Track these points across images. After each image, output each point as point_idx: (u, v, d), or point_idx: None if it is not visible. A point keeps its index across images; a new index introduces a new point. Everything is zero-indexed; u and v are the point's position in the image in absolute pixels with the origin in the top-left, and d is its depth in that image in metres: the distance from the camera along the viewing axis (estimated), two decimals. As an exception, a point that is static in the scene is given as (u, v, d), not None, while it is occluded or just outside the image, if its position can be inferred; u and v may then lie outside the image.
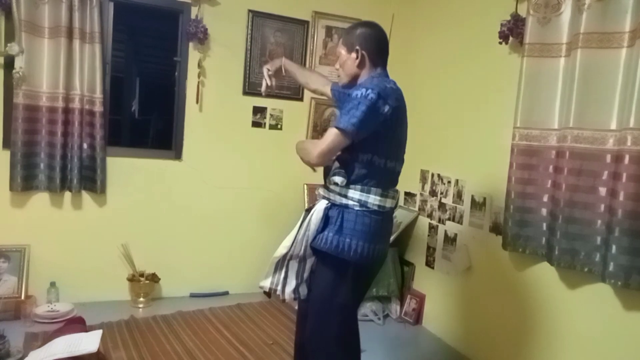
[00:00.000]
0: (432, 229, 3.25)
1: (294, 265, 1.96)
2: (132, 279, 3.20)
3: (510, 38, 2.58)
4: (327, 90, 2.20)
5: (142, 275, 3.23)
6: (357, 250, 1.80)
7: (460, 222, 2.99)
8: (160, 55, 4.98)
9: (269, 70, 2.24)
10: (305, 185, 3.61)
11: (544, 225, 2.35)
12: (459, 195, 3.01)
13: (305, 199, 3.60)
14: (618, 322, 2.07)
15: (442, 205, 3.16)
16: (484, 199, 2.81)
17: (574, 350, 2.27)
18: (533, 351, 2.47)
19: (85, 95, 2.96)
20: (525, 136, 2.40)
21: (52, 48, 2.86)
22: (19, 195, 2.95)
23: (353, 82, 1.93)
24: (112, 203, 3.19)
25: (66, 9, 2.84)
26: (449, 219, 3.09)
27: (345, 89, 1.95)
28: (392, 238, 3.00)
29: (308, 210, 1.95)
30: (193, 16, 3.20)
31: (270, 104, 3.52)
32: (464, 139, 2.99)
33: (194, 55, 3.25)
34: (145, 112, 5.70)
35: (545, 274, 2.39)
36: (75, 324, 2.65)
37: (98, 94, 2.97)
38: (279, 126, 3.56)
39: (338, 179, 1.85)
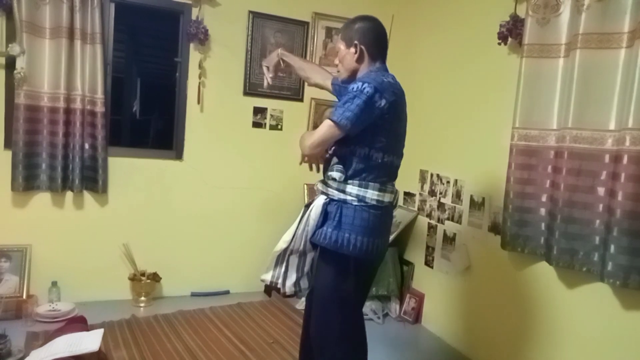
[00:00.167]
0: (432, 228, 3.26)
1: (294, 260, 1.98)
2: (133, 279, 3.21)
3: (510, 39, 2.58)
4: (328, 84, 2.21)
5: (143, 274, 3.24)
6: (357, 245, 1.81)
7: (459, 221, 3.00)
8: (160, 55, 4.98)
9: (267, 67, 2.26)
10: (305, 185, 3.62)
11: (543, 225, 2.36)
12: (458, 195, 3.02)
13: (305, 199, 3.61)
14: (617, 321, 2.08)
15: (441, 205, 3.17)
16: (483, 198, 2.82)
17: (573, 350, 2.28)
18: (532, 350, 2.47)
19: (86, 95, 2.97)
20: (524, 136, 2.41)
21: (53, 48, 2.87)
22: (21, 195, 2.96)
23: (352, 76, 1.93)
24: (114, 203, 3.20)
25: (67, 9, 2.85)
26: (448, 219, 3.10)
27: (345, 84, 1.95)
28: (391, 238, 3.01)
29: (307, 206, 1.96)
30: (194, 17, 3.21)
31: (270, 104, 3.53)
32: (463, 139, 3.00)
33: (194, 55, 3.26)
34: (146, 112, 5.72)
35: (544, 273, 2.40)
36: (77, 323, 2.66)
37: (99, 95, 2.99)
38: (279, 126, 3.57)
39: (336, 174, 1.85)
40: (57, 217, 3.07)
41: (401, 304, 3.37)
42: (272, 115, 3.55)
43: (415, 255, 3.41)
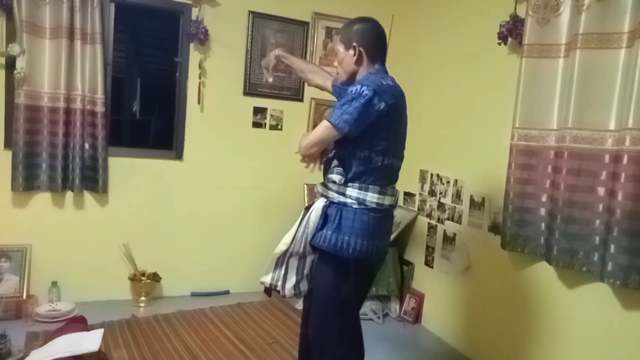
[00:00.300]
0: (432, 228, 3.26)
1: (294, 262, 1.97)
2: (133, 279, 3.21)
3: (509, 39, 2.58)
4: (328, 85, 2.21)
5: (143, 274, 3.24)
6: (356, 247, 1.81)
7: (459, 221, 3.00)
8: (161, 55, 4.98)
9: (266, 69, 2.29)
10: (305, 185, 3.62)
11: (543, 225, 2.36)
12: (458, 195, 3.02)
13: (305, 199, 3.61)
14: (616, 321, 2.08)
15: (441, 205, 3.17)
16: (483, 198, 2.82)
17: (573, 349, 2.28)
18: (532, 350, 2.47)
19: (86, 95, 2.97)
20: (524, 136, 2.41)
21: (53, 49, 2.87)
22: (21, 195, 2.96)
23: (352, 78, 1.93)
24: (114, 203, 3.21)
25: (67, 9, 2.85)
26: (448, 219, 3.10)
27: (345, 86, 1.95)
28: (391, 237, 3.01)
29: (307, 208, 1.96)
30: (194, 17, 3.21)
31: (270, 104, 3.53)
32: (463, 139, 3.00)
33: (194, 55, 3.26)
34: (146, 112, 5.72)
35: (544, 273, 2.40)
36: (77, 323, 2.66)
37: (100, 95, 2.99)
38: (279, 126, 3.58)
39: (336, 177, 1.85)
40: (57, 217, 3.07)
41: (401, 304, 3.37)
42: (272, 115, 3.55)
43: (415, 255, 3.41)
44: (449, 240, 3.09)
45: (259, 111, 3.51)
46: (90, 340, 2.28)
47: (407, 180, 3.39)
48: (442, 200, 3.16)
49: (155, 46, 5.23)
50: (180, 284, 3.41)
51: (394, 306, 3.36)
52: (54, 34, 2.86)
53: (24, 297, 2.89)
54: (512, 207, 2.45)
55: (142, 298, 3.20)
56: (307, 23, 3.55)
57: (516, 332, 2.57)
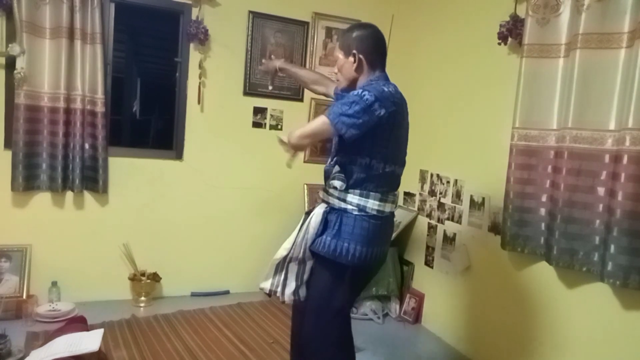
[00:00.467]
0: (431, 228, 3.26)
1: (293, 268, 1.97)
2: (133, 279, 3.21)
3: (509, 39, 2.58)
4: (331, 92, 2.21)
5: (143, 274, 3.24)
6: (355, 254, 1.81)
7: (459, 221, 3.00)
8: (160, 55, 4.99)
9: (267, 73, 2.34)
10: (305, 186, 3.62)
11: (543, 225, 2.36)
12: (457, 195, 3.02)
13: (305, 199, 3.61)
14: (616, 321, 2.08)
15: (441, 205, 3.17)
16: (483, 198, 2.82)
17: (572, 349, 2.28)
18: (532, 350, 2.47)
19: (86, 95, 2.97)
20: (524, 136, 2.41)
21: (54, 49, 2.87)
22: (21, 195, 2.96)
23: (352, 85, 1.93)
24: (114, 203, 3.21)
25: (67, 9, 2.85)
26: (448, 219, 3.10)
27: (345, 92, 1.94)
28: (391, 238, 3.01)
29: (308, 213, 1.96)
30: (194, 17, 3.21)
31: (270, 104, 3.53)
32: (463, 140, 3.00)
33: (194, 55, 3.26)
34: (146, 112, 5.72)
35: (544, 273, 2.40)
36: (77, 323, 2.66)
37: (100, 95, 2.99)
38: (279, 126, 3.57)
39: (337, 183, 1.85)
40: (57, 217, 3.07)
41: (401, 304, 3.37)
42: (272, 115, 3.55)
43: (415, 255, 3.41)
44: (449, 240, 3.09)
45: (259, 111, 3.51)
46: (90, 340, 2.28)
47: (407, 180, 3.37)
48: (442, 200, 3.16)
49: (155, 46, 5.24)
50: (180, 284, 3.41)
51: (394, 306, 3.36)
52: (54, 34, 2.86)
53: (24, 297, 2.89)
54: (512, 207, 2.45)
55: (142, 298, 3.20)
56: (307, 23, 3.55)
57: (516, 332, 2.57)
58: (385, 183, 1.86)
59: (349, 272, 1.85)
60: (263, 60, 2.46)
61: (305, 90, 3.58)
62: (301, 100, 3.61)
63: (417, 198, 3.43)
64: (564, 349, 2.32)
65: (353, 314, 2.05)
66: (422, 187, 3.38)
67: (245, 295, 3.43)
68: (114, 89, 3.25)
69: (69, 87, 2.93)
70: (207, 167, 3.41)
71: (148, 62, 5.76)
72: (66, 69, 2.91)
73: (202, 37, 3.20)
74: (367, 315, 3.26)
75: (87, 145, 3.02)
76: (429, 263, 3.28)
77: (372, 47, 1.89)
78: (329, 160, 1.98)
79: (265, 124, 3.54)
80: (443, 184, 3.16)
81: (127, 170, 3.21)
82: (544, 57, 2.34)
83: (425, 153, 3.27)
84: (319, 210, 1.90)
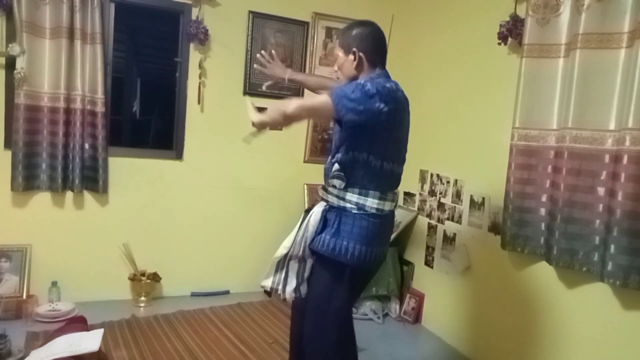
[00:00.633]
0: (431, 228, 3.26)
1: (294, 266, 1.97)
2: (133, 279, 3.21)
3: (509, 39, 2.58)
4: None
5: (143, 274, 3.24)
6: (354, 253, 1.80)
7: (459, 221, 3.00)
8: (161, 55, 4.99)
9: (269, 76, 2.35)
10: (305, 186, 3.62)
11: (543, 225, 2.36)
12: (457, 195, 3.02)
13: (306, 199, 3.61)
14: (616, 321, 2.08)
15: (441, 205, 3.17)
16: (483, 198, 2.82)
17: (572, 349, 2.28)
18: (532, 350, 2.47)
19: (86, 95, 2.97)
20: (524, 136, 2.41)
21: (54, 49, 2.87)
22: (21, 195, 2.96)
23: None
24: (114, 203, 3.21)
25: (67, 9, 2.85)
26: (448, 219, 3.10)
27: None
28: (391, 237, 3.01)
29: (307, 211, 1.96)
30: (194, 17, 3.21)
31: (270, 104, 3.51)
32: (463, 139, 3.00)
33: (194, 55, 3.26)
34: (146, 112, 5.72)
35: (544, 273, 2.40)
36: (77, 323, 2.66)
37: (100, 95, 2.99)
38: (279, 126, 3.57)
39: (336, 182, 1.85)
40: (57, 217, 3.07)
41: (401, 304, 3.37)
42: (272, 115, 3.54)
43: (415, 255, 3.41)
44: (449, 240, 3.09)
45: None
46: (90, 340, 2.28)
47: (407, 180, 3.36)
48: (442, 200, 3.16)
49: (155, 46, 5.24)
50: (180, 284, 3.41)
51: (394, 306, 3.36)
52: (54, 34, 2.86)
53: (24, 297, 2.89)
54: (512, 207, 2.45)
55: (142, 298, 3.20)
56: (307, 23, 3.55)
57: (516, 332, 2.57)
58: (384, 181, 1.86)
59: (348, 272, 1.85)
60: (262, 52, 2.36)
61: (306, 90, 3.57)
62: (301, 100, 3.60)
63: (417, 198, 3.43)
64: (564, 349, 2.32)
65: (353, 314, 2.04)
66: (422, 187, 3.38)
67: (245, 295, 3.43)
68: (114, 89, 3.25)
69: (69, 87, 2.93)
70: (207, 167, 3.41)
71: (148, 62, 5.75)
72: (66, 69, 2.90)
73: (202, 37, 3.20)
74: (367, 315, 3.26)
75: (87, 145, 3.02)
76: (429, 263, 3.28)
77: (372, 45, 1.88)
78: (329, 159, 1.97)
79: (265, 124, 3.53)
80: (443, 184, 3.16)
81: (127, 170, 3.21)
82: (544, 57, 2.34)
83: (425, 153, 3.27)
84: (318, 209, 1.90)
